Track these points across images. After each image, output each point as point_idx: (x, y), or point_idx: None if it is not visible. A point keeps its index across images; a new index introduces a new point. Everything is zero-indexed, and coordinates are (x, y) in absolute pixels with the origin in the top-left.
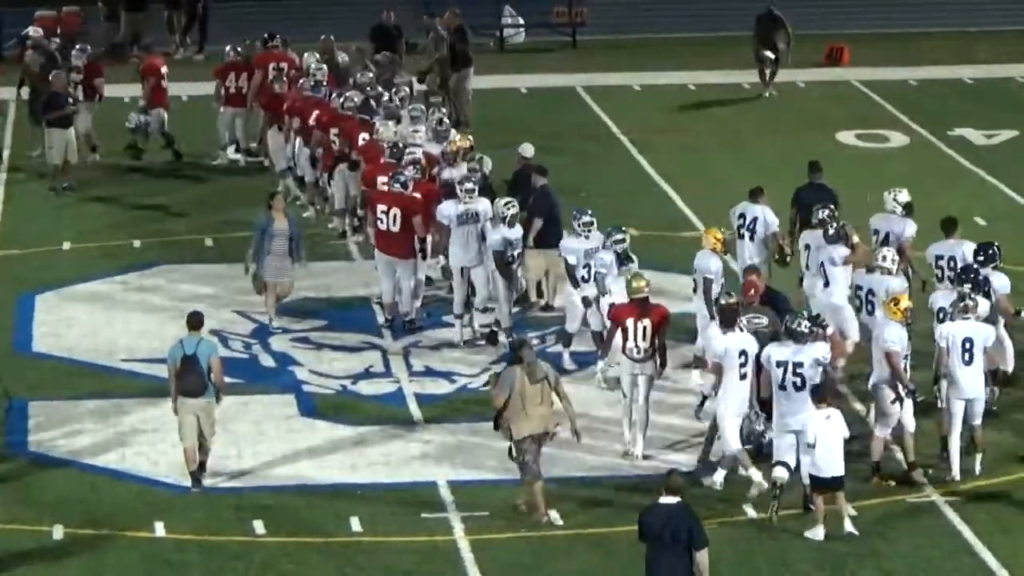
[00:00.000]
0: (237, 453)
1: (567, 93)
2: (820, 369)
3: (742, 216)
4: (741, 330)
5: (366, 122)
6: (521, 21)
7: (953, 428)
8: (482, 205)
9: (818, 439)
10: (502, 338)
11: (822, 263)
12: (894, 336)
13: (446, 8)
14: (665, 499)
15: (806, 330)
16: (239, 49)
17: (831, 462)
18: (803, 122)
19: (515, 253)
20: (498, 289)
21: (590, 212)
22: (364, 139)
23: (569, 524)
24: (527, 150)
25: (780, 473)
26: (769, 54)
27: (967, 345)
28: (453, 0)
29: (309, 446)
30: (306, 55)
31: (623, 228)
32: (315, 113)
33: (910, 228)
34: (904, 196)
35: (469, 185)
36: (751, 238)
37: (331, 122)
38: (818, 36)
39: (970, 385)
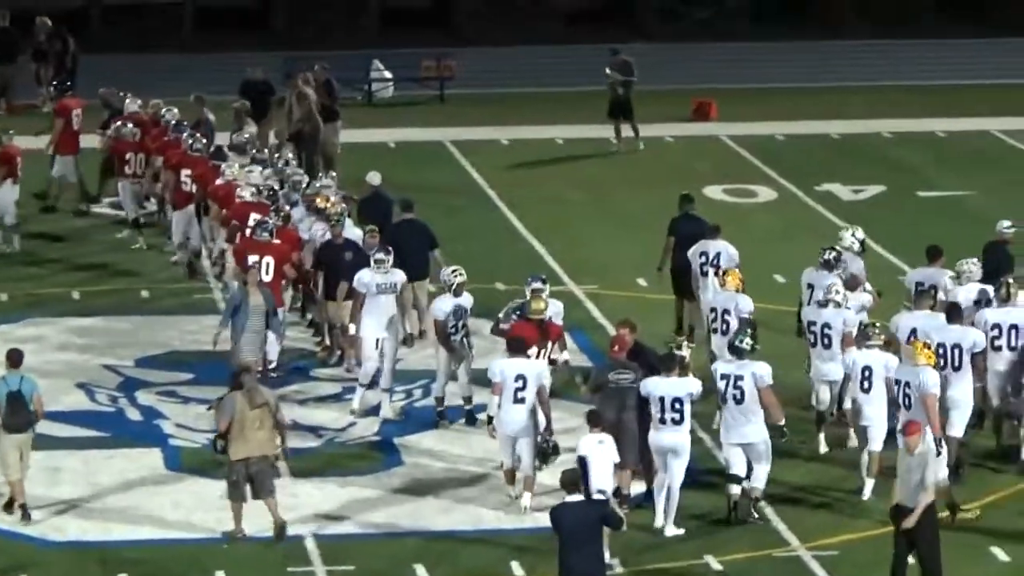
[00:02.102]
0: (102, 507)
1: (435, 147)
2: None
3: (703, 254)
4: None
5: (218, 167)
6: (389, 75)
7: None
8: (399, 276)
9: (590, 461)
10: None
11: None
12: None
13: (313, 62)
14: (568, 498)
15: (748, 347)
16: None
17: (599, 483)
18: (671, 176)
19: (459, 324)
20: (439, 360)
21: (544, 278)
22: (218, 183)
23: None
24: (375, 178)
25: (733, 490)
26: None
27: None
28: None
29: (175, 500)
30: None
31: (543, 277)
32: (168, 154)
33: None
34: (860, 233)
35: (380, 256)
36: (715, 273)
37: (182, 164)
38: (685, 91)
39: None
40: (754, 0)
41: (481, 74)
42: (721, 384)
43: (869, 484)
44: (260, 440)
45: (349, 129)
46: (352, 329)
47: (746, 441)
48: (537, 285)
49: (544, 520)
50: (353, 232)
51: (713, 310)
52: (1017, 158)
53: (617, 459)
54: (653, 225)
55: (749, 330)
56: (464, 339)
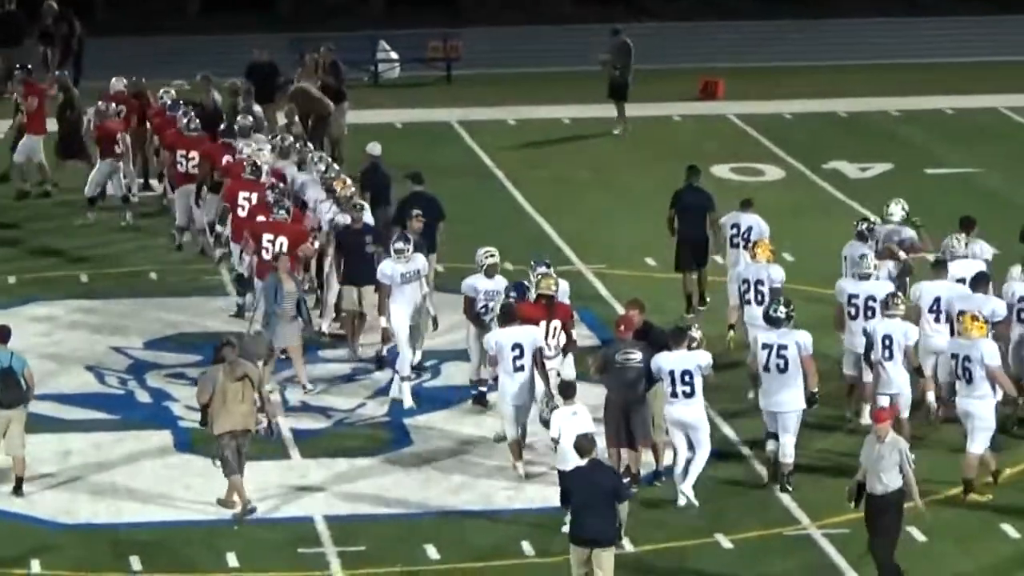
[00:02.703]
0: (113, 489)
1: (442, 128)
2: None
3: (735, 226)
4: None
5: (228, 145)
6: (395, 56)
7: None
8: (420, 262)
9: (562, 433)
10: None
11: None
12: None
13: (319, 44)
14: (581, 462)
15: (783, 315)
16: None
17: (573, 456)
18: (678, 155)
19: (489, 304)
20: (469, 339)
21: (548, 262)
22: (228, 160)
23: (444, 558)
24: (375, 148)
25: (772, 446)
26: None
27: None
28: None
29: (185, 481)
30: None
31: (547, 261)
32: (164, 133)
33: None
34: (906, 205)
35: (400, 245)
36: (745, 246)
37: (176, 144)
38: (693, 70)
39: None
40: None
41: (487, 54)
42: (763, 354)
43: None
44: (243, 413)
45: (356, 110)
46: (383, 321)
47: (782, 409)
48: (542, 269)
49: (554, 499)
50: (371, 218)
51: (745, 281)
52: None
53: (592, 428)
54: (660, 204)
55: (781, 299)
56: (492, 321)
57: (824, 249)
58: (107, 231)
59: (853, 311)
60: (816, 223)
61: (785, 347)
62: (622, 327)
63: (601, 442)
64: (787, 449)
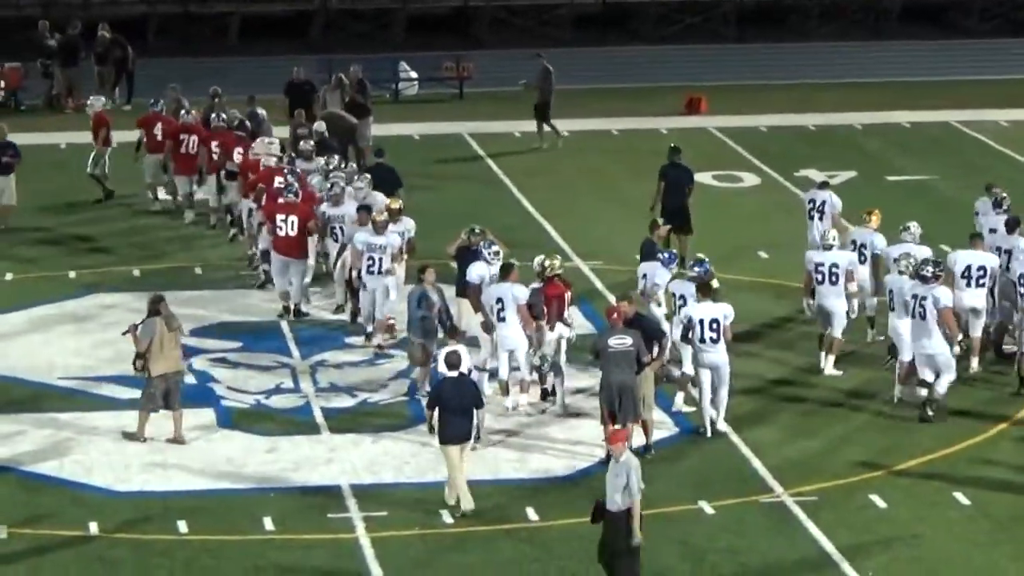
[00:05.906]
0: (163, 460)
1: (455, 139)
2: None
3: (812, 201)
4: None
5: (242, 138)
6: (414, 75)
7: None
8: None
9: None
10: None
11: None
12: None
13: (348, 65)
14: (450, 373)
15: (930, 274)
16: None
17: None
18: None
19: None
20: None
21: (705, 258)
22: (239, 152)
23: (459, 523)
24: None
25: (920, 393)
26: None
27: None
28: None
29: (227, 454)
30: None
31: (704, 260)
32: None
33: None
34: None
35: (496, 248)
36: (820, 218)
37: (210, 138)
38: (679, 88)
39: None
40: (739, 6)
41: (495, 74)
42: (911, 302)
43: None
44: (175, 358)
45: (379, 123)
46: (481, 317)
47: (927, 352)
48: (703, 269)
49: (555, 470)
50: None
51: (853, 242)
52: (973, 145)
53: (471, 364)
54: (648, 206)
55: (931, 259)
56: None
57: (795, 247)
58: (157, 232)
59: (820, 277)
60: (788, 224)
61: (926, 299)
62: (614, 315)
63: (593, 422)
64: (942, 382)
